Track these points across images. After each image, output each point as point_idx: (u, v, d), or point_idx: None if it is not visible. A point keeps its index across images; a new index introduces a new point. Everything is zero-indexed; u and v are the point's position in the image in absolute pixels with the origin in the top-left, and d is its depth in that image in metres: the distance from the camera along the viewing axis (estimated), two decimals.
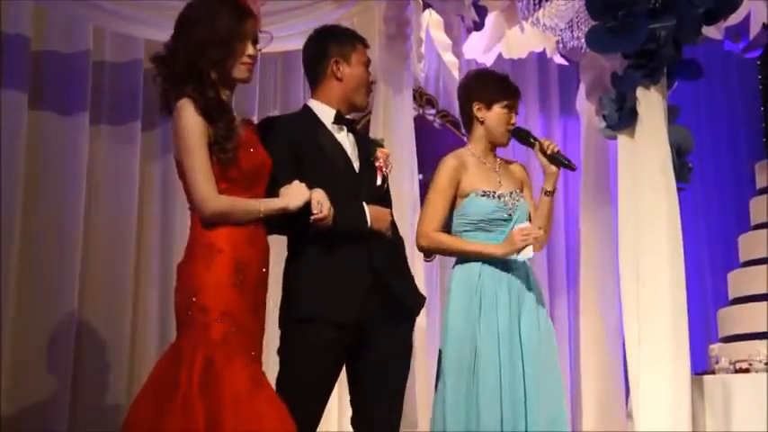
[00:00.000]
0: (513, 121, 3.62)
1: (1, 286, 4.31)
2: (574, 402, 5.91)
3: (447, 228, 3.58)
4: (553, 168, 3.56)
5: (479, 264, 3.49)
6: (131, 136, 4.85)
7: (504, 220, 3.50)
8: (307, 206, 2.94)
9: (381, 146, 3.32)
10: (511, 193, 3.55)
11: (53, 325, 4.48)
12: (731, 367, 5.09)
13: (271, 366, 3.06)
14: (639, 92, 4.55)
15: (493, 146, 3.65)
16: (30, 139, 4.53)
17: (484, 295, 3.45)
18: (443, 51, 5.75)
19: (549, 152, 3.55)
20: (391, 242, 3.23)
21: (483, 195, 3.53)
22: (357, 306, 3.08)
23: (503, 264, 3.47)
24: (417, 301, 3.32)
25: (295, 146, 3.13)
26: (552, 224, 3.63)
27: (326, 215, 2.97)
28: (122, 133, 4.84)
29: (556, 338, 3.59)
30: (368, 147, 3.30)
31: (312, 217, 2.95)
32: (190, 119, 2.81)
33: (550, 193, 3.56)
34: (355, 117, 3.50)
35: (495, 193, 3.53)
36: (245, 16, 2.93)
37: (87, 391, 4.57)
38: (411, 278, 3.33)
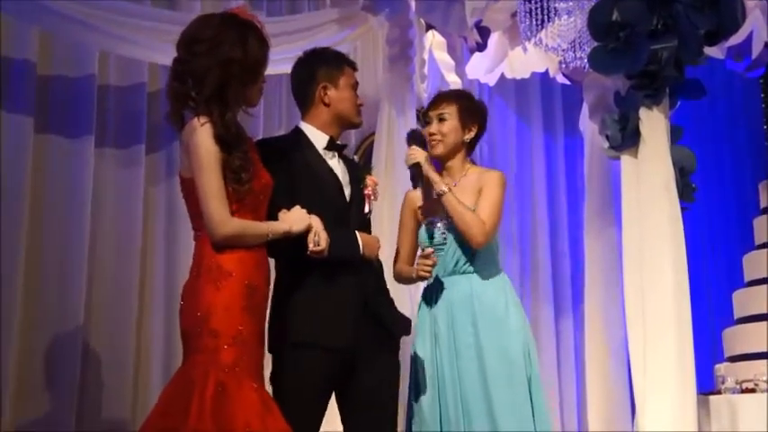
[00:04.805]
0: (430, 131, 3.64)
1: (8, 306, 4.32)
2: (580, 421, 5.91)
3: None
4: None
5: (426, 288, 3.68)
6: (136, 158, 4.87)
7: (442, 244, 3.59)
8: (302, 235, 2.96)
9: (370, 173, 3.37)
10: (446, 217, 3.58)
11: (58, 344, 4.48)
12: (737, 387, 5.07)
13: None
14: (642, 112, 4.55)
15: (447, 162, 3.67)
16: (35, 163, 4.56)
17: (419, 320, 3.60)
18: (446, 72, 5.76)
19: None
20: (376, 267, 3.27)
21: (425, 224, 3.65)
22: (349, 331, 3.10)
23: (438, 288, 3.57)
24: (404, 324, 3.35)
25: (290, 170, 3.14)
26: (462, 216, 3.50)
27: (324, 248, 2.98)
28: (127, 156, 4.86)
29: (525, 366, 3.51)
30: (357, 174, 3.32)
31: (309, 250, 2.97)
32: (207, 142, 2.80)
33: (439, 195, 3.55)
34: (347, 143, 3.51)
35: (434, 220, 3.62)
36: (266, 43, 2.97)
37: (92, 409, 4.57)
38: (392, 301, 3.36)
